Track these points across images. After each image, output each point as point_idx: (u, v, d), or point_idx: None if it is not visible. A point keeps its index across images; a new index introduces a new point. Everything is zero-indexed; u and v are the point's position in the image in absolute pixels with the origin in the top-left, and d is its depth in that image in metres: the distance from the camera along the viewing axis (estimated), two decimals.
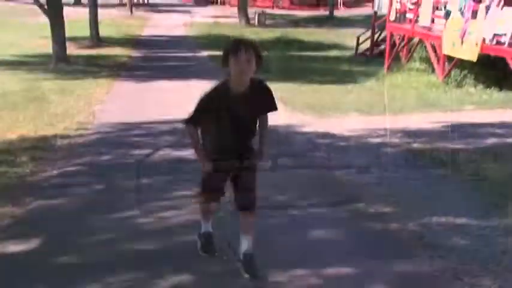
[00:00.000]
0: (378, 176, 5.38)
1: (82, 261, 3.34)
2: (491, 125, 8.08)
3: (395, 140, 7.11)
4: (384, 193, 4.83)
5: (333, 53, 21.79)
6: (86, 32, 21.62)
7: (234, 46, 2.96)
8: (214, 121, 3.10)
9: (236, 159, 3.16)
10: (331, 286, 3.05)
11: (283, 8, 39.82)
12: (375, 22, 17.97)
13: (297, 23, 31.76)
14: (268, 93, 3.15)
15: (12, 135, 7.05)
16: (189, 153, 6.14)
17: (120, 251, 3.47)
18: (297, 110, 9.47)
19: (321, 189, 4.99)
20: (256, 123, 3.20)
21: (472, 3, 11.47)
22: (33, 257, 3.41)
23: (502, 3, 10.42)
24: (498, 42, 10.81)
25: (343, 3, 39.36)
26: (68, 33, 16.48)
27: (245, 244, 3.16)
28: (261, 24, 30.28)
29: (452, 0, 12.31)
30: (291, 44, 23.66)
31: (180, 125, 8.22)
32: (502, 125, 8.09)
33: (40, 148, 6.39)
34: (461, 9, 11.75)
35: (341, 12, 36.87)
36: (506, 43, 10.53)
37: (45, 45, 18.01)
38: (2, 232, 3.77)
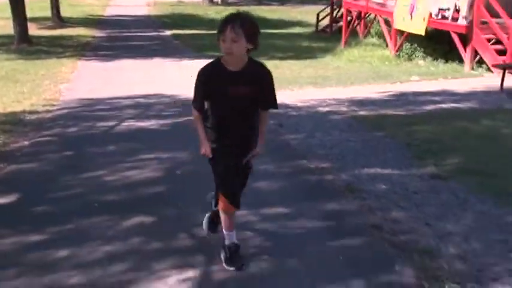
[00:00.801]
0: (321, 139, 6.06)
1: (55, 210, 3.91)
2: (432, 93, 8.87)
3: (343, 109, 7.81)
4: (325, 153, 5.51)
5: (295, 30, 22.42)
6: (47, 12, 21.66)
7: (222, 23, 2.77)
8: (213, 103, 2.93)
9: (236, 148, 2.99)
10: (267, 221, 3.70)
11: None
12: None
13: (260, 0, 32.14)
14: (268, 83, 2.92)
15: None
16: (149, 123, 6.79)
17: (88, 201, 4.04)
18: None
19: (269, 150, 5.60)
20: (255, 113, 2.97)
21: None
22: (12, 207, 3.97)
23: None
24: (443, 17, 11.60)
25: None
26: (28, 14, 16.60)
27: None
28: (224, 2, 30.58)
29: None
30: None
31: (142, 100, 8.77)
32: (441, 93, 8.89)
33: (9, 122, 6.84)
34: None
35: None
36: (450, 17, 11.32)
37: (5, 26, 18.09)
38: None
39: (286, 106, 8.03)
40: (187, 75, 10.88)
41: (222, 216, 3.07)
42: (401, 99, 8.48)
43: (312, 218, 3.79)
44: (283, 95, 8.89)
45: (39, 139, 6.06)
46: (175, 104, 7.88)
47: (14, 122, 6.86)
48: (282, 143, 6.01)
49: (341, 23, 18.11)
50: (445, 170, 4.86)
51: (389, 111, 7.58)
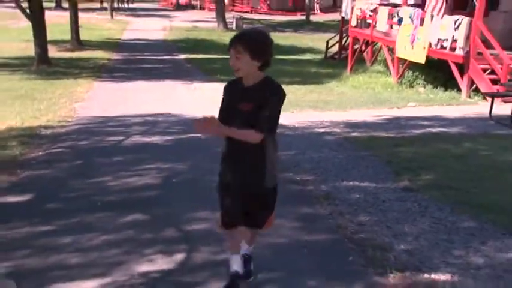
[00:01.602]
0: (310, 156, 6.62)
1: (63, 207, 4.53)
2: (424, 118, 9.40)
3: (337, 130, 8.39)
4: (311, 167, 6.08)
5: (305, 56, 23.16)
6: (67, 35, 22.69)
7: (230, 40, 2.81)
8: (228, 118, 2.91)
9: (244, 174, 2.94)
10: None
11: (261, 13, 41.14)
12: (342, 27, 19.34)
13: (274, 27, 33.07)
14: (269, 101, 2.81)
15: (1, 126, 8.16)
16: (154, 139, 7.42)
17: (92, 201, 4.66)
18: None
19: None
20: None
21: (420, 12, 12.87)
22: (27, 204, 4.60)
23: (442, 12, 11.80)
24: (442, 47, 12.20)
25: (319, 9, 40.86)
26: (49, 37, 17.55)
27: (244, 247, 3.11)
28: (239, 28, 31.45)
29: (404, 9, 13.71)
30: None
31: (150, 118, 9.42)
32: (433, 118, 9.42)
33: (27, 136, 7.52)
34: (411, 16, 13.13)
35: (317, 17, 38.35)
36: (448, 47, 11.92)
37: (27, 48, 19.09)
38: (3, 190, 4.95)
39: (284, 126, 8.58)
40: (196, 97, 11.68)
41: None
42: (394, 122, 9.03)
43: (288, 219, 4.34)
44: (282, 117, 9.40)
45: (53, 150, 6.72)
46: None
47: (31, 136, 7.54)
48: None
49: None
50: (417, 184, 5.39)
51: (380, 134, 8.13)
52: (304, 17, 36.46)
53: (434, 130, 8.47)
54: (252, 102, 2.83)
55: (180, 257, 3.59)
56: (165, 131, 8.01)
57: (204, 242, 3.83)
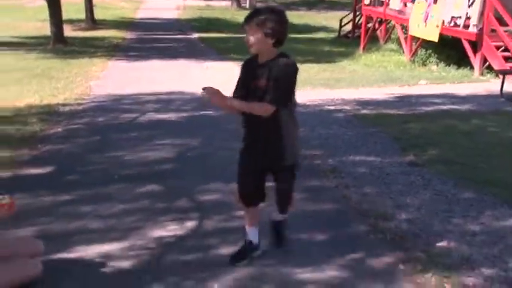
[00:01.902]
0: (319, 132, 6.82)
1: (82, 179, 4.81)
2: (434, 96, 9.51)
3: (347, 107, 8.55)
4: (320, 143, 6.28)
5: (319, 35, 23.15)
6: (82, 14, 22.92)
7: (245, 17, 2.89)
8: (246, 96, 2.96)
9: (261, 151, 3.02)
10: None
11: None
12: (356, 5, 19.29)
13: (287, 5, 32.94)
14: (280, 76, 2.84)
15: (20, 104, 8.45)
16: (168, 116, 7.66)
17: (109, 174, 4.92)
18: None
19: None
20: (278, 112, 2.88)
21: None
22: (48, 176, 4.88)
23: None
24: (455, 24, 12.20)
25: None
26: (64, 16, 17.79)
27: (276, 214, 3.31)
28: (252, 7, 31.41)
29: None
30: None
31: (164, 96, 9.65)
32: (443, 95, 9.53)
33: (46, 113, 7.80)
34: None
35: None
36: (461, 25, 11.92)
37: (43, 28, 19.36)
38: (24, 163, 5.25)
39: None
40: (210, 76, 11.86)
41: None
42: (404, 100, 9.16)
43: (296, 190, 4.56)
44: None
45: (71, 126, 7.00)
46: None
47: (50, 113, 7.82)
48: None
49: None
50: (423, 159, 5.57)
51: (390, 111, 8.28)
52: None
53: (444, 107, 8.59)
54: (266, 78, 2.87)
55: (192, 224, 3.84)
56: (178, 109, 8.24)
57: (215, 211, 4.07)
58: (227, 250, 3.42)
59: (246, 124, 3.05)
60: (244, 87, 3.01)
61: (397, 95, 9.70)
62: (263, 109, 2.87)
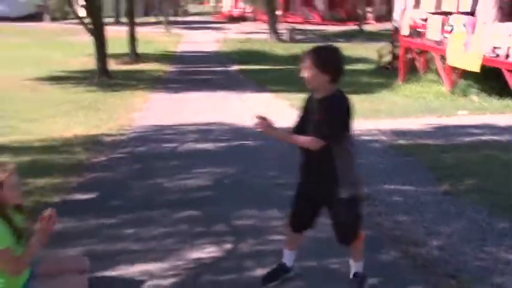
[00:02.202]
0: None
1: (125, 204, 5.11)
2: (474, 126, 9.51)
3: (383, 138, 8.66)
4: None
5: (358, 66, 23.30)
6: (125, 48, 23.87)
7: (302, 54, 3.07)
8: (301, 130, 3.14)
9: (315, 183, 3.18)
10: None
11: (314, 23, 41.52)
12: (394, 36, 19.43)
13: (326, 37, 33.35)
14: (329, 110, 2.99)
15: (68, 134, 8.94)
16: (207, 145, 7.96)
17: (150, 200, 5.21)
18: None
19: None
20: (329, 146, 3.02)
21: (473, 19, 12.91)
22: (93, 201, 5.21)
23: (493, 19, 11.83)
24: (496, 55, 12.19)
25: (373, 18, 40.81)
26: (109, 51, 18.64)
27: (352, 266, 3.45)
28: (291, 39, 31.98)
29: (455, 16, 13.76)
30: None
31: (204, 127, 9.96)
32: (483, 126, 9.51)
33: (91, 143, 8.24)
34: (464, 24, 13.17)
35: (371, 26, 38.33)
36: (502, 55, 11.91)
37: (89, 62, 20.27)
38: (72, 189, 5.62)
39: None
40: (248, 107, 12.19)
41: None
42: (442, 131, 9.20)
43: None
44: None
45: (114, 155, 7.38)
46: None
47: (94, 143, 8.25)
48: None
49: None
50: (458, 189, 5.63)
51: (427, 141, 8.34)
52: (357, 27, 36.55)
53: (483, 138, 8.58)
54: (320, 114, 3.00)
55: (228, 246, 4.05)
56: (217, 139, 8.54)
57: (250, 235, 4.28)
58: (260, 272, 3.60)
59: (302, 156, 3.20)
60: (303, 121, 3.19)
61: (434, 126, 9.73)
62: (310, 143, 3.04)
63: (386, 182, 5.94)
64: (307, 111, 3.16)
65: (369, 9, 41.85)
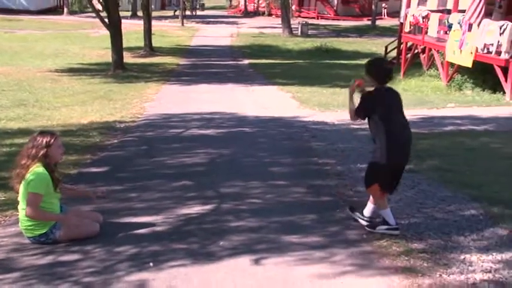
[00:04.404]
0: (338, 146, 7.90)
1: (131, 175, 6.13)
2: (457, 117, 10.36)
3: None
4: (335, 154, 7.37)
5: (365, 61, 24.11)
6: (141, 42, 24.97)
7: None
8: None
9: None
10: (271, 188, 5.65)
11: (328, 18, 42.21)
12: (401, 32, 20.24)
13: (338, 32, 34.14)
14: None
15: (84, 121, 10.00)
16: (208, 131, 8.94)
17: (152, 172, 6.22)
18: (308, 106, 12.02)
19: (294, 151, 7.60)
20: (371, 124, 4.45)
21: (468, 18, 13.70)
22: (104, 173, 6.24)
23: (479, 18, 12.61)
24: (488, 51, 12.99)
25: (387, 13, 41.39)
26: (125, 44, 19.72)
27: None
28: (304, 34, 32.82)
29: (453, 15, 14.56)
30: (328, 52, 26.11)
31: (208, 115, 10.96)
32: (466, 117, 10.35)
33: (105, 128, 9.28)
34: (459, 22, 13.98)
35: (384, 21, 38.95)
36: (493, 52, 12.70)
37: (105, 55, 21.41)
38: (87, 164, 6.67)
39: (325, 123, 9.94)
40: (253, 99, 13.15)
41: None
42: (427, 121, 10.07)
43: (300, 187, 5.69)
44: (326, 115, 10.81)
45: (125, 138, 8.41)
46: None
47: (108, 128, 9.29)
48: (307, 147, 7.93)
49: (408, 55, 19.67)
50: (420, 168, 6.54)
51: (412, 130, 9.20)
52: (370, 22, 37.23)
53: (462, 128, 9.44)
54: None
55: (212, 206, 5.03)
56: (218, 126, 9.53)
57: (232, 198, 5.25)
58: (235, 224, 4.58)
59: None
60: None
61: (422, 116, 10.59)
62: (350, 114, 4.62)
63: (360, 162, 6.85)
64: None
65: (383, 4, 42.47)
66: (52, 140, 4.11)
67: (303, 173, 6.34)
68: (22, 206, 4.08)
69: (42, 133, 4.22)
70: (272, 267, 3.81)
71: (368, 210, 4.59)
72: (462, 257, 4.00)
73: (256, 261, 3.89)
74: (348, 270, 3.79)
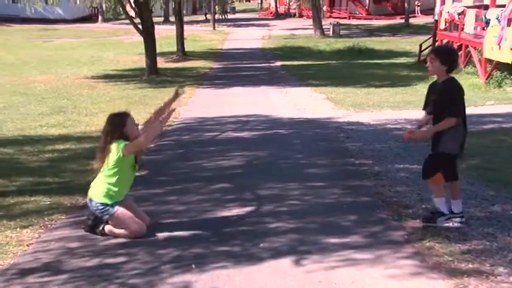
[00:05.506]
0: (374, 146, 7.84)
1: (170, 179, 6.24)
2: (497, 115, 10.15)
3: (408, 126, 9.43)
4: (372, 154, 7.32)
5: (400, 60, 23.86)
6: (173, 47, 25.30)
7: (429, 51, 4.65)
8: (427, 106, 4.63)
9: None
10: (308, 189, 5.66)
11: (360, 18, 41.88)
12: (436, 30, 19.94)
13: (371, 32, 33.82)
14: (445, 94, 4.25)
15: None
16: (243, 134, 9.00)
17: (190, 175, 6.31)
18: (343, 107, 11.98)
19: (330, 152, 7.59)
20: (443, 117, 4.28)
21: (507, 13, 13.40)
22: (145, 177, 6.32)
23: None
24: None
25: (420, 11, 40.80)
26: (158, 49, 20.01)
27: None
28: (336, 34, 32.64)
29: (491, 10, 14.27)
30: (361, 52, 25.91)
31: (243, 118, 11.06)
32: (505, 115, 10.13)
33: None
34: (498, 17, 13.69)
35: (418, 19, 38.41)
36: None
37: (139, 61, 21.80)
38: None
39: (360, 123, 9.88)
40: (286, 101, 13.17)
41: None
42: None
43: (338, 188, 5.68)
44: (361, 116, 10.74)
45: (162, 142, 8.54)
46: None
47: None
48: (343, 147, 7.91)
49: None
50: (461, 166, 6.41)
51: None
52: (403, 20, 36.77)
53: (503, 125, 9.25)
54: (436, 94, 4.40)
55: (251, 208, 5.07)
56: (253, 128, 9.59)
57: (271, 200, 5.28)
58: (275, 225, 4.61)
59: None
60: (428, 102, 4.58)
61: None
62: (450, 122, 4.36)
63: (397, 162, 6.81)
64: (429, 93, 4.53)
65: (416, 2, 41.90)
66: (126, 119, 4.53)
67: (340, 174, 6.32)
68: (106, 171, 4.44)
69: (115, 114, 4.70)
70: (314, 268, 3.82)
71: (455, 205, 4.54)
72: (509, 258, 3.93)
73: (297, 262, 3.91)
74: (391, 271, 3.77)
